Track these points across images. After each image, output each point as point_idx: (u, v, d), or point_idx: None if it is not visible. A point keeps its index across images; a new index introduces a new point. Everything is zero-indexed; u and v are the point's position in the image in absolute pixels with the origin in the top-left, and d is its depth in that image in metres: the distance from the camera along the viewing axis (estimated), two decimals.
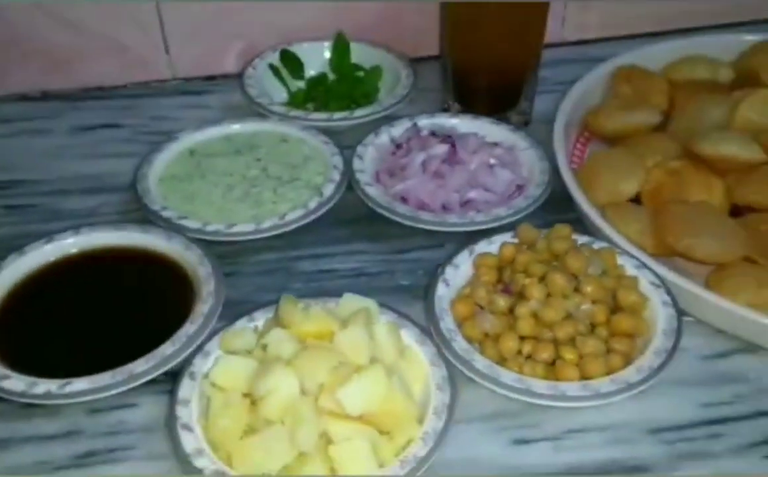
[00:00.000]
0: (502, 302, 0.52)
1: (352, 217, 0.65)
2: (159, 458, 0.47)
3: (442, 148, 0.65)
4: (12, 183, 0.69)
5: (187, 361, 0.49)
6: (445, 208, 0.63)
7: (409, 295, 0.58)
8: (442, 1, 0.73)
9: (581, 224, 0.61)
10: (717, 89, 0.74)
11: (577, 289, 0.52)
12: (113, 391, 0.48)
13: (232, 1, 0.79)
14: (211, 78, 0.83)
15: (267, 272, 0.60)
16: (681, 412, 0.51)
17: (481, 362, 0.49)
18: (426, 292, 0.56)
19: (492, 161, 0.65)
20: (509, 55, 0.73)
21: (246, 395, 0.46)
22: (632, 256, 0.56)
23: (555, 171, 0.65)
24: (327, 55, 0.80)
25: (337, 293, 0.55)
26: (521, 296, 0.52)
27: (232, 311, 0.54)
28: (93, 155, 0.73)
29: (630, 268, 0.55)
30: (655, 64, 0.77)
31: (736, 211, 0.62)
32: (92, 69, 0.81)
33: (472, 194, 0.63)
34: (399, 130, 0.69)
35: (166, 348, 0.49)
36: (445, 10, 0.74)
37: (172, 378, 0.49)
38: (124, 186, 0.67)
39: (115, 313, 0.53)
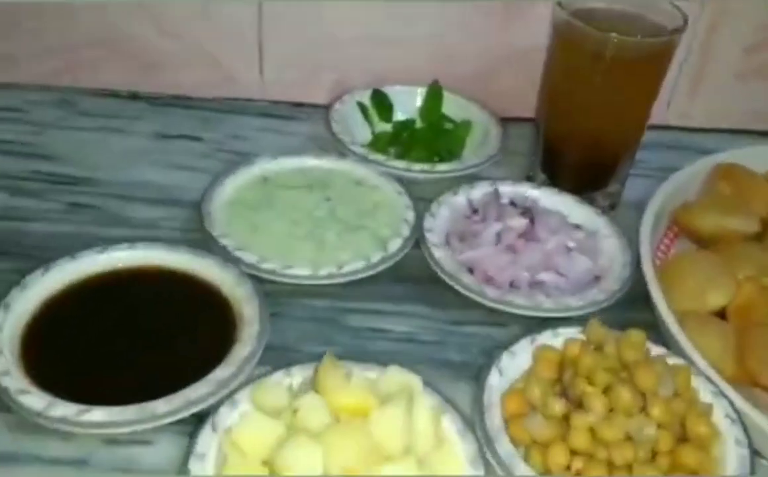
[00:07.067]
0: (558, 407, 0.47)
1: (413, 276, 0.62)
2: None
3: (520, 222, 0.61)
4: (80, 180, 0.69)
5: (214, 408, 0.46)
6: (512, 285, 0.59)
7: (459, 372, 0.54)
8: (548, 63, 0.70)
9: (657, 328, 0.56)
10: None
11: (642, 409, 0.47)
12: (130, 429, 0.46)
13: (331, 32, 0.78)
14: (299, 105, 0.82)
15: (315, 320, 0.57)
16: None
17: (523, 470, 0.45)
18: (477, 375, 0.52)
19: (571, 244, 0.61)
20: (607, 133, 0.69)
21: (266, 463, 0.43)
22: (709, 380, 0.51)
23: (636, 263, 0.61)
24: (418, 102, 0.78)
25: (384, 357, 0.53)
26: (579, 405, 0.47)
27: (271, 356, 0.52)
28: (166, 164, 0.72)
29: (705, 394, 0.50)
30: (760, 166, 0.72)
31: None
32: (184, 77, 0.80)
33: (544, 276, 0.59)
34: (478, 192, 0.66)
35: (192, 391, 0.46)
36: (547, 74, 0.70)
37: (196, 419, 0.47)
38: (190, 202, 0.65)
39: (151, 338, 0.51)
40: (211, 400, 0.46)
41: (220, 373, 0.48)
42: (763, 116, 0.82)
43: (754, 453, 0.48)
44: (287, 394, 0.46)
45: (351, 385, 0.45)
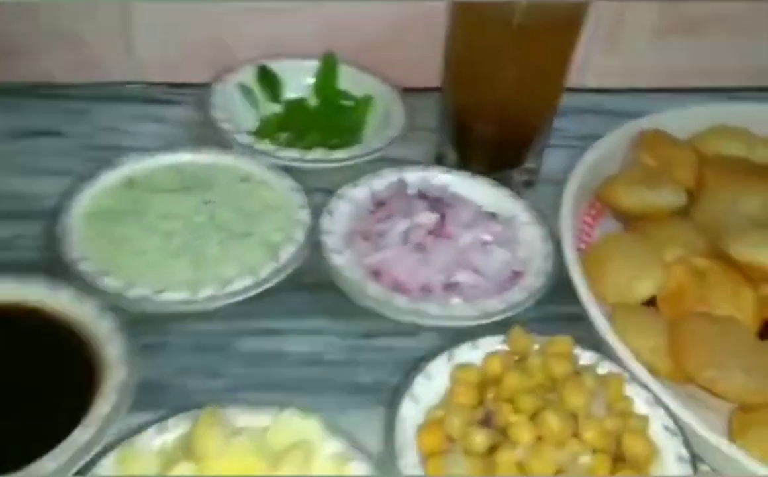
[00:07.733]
0: (480, 440, 0.41)
1: (313, 283, 0.54)
2: None
3: (429, 218, 0.54)
4: None
5: None
6: (424, 289, 0.52)
7: (371, 396, 0.48)
8: (449, 31, 0.62)
9: (585, 322, 0.51)
10: (755, 172, 0.63)
11: (574, 434, 0.41)
12: None
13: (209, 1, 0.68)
14: (177, 85, 0.72)
15: (199, 349, 0.49)
16: None
17: None
18: (391, 399, 0.45)
19: (487, 238, 0.55)
20: (519, 104, 0.62)
21: None
22: (644, 387, 0.46)
23: (558, 248, 0.55)
24: (310, 79, 0.69)
25: (284, 386, 0.48)
26: (505, 435, 0.41)
27: (147, 399, 0.44)
28: (24, 169, 0.62)
29: (640, 403, 0.45)
30: (683, 131, 0.67)
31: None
32: (43, 62, 0.70)
33: (460, 277, 0.52)
34: (383, 182, 0.59)
35: (38, 467, 0.38)
36: (451, 39, 0.63)
37: None
38: (50, 212, 0.55)
39: None
40: (69, 473, 0.38)
41: (78, 436, 0.39)
42: (681, 73, 0.78)
43: (695, 459, 0.44)
44: (158, 460, 0.38)
45: (234, 445, 0.37)
